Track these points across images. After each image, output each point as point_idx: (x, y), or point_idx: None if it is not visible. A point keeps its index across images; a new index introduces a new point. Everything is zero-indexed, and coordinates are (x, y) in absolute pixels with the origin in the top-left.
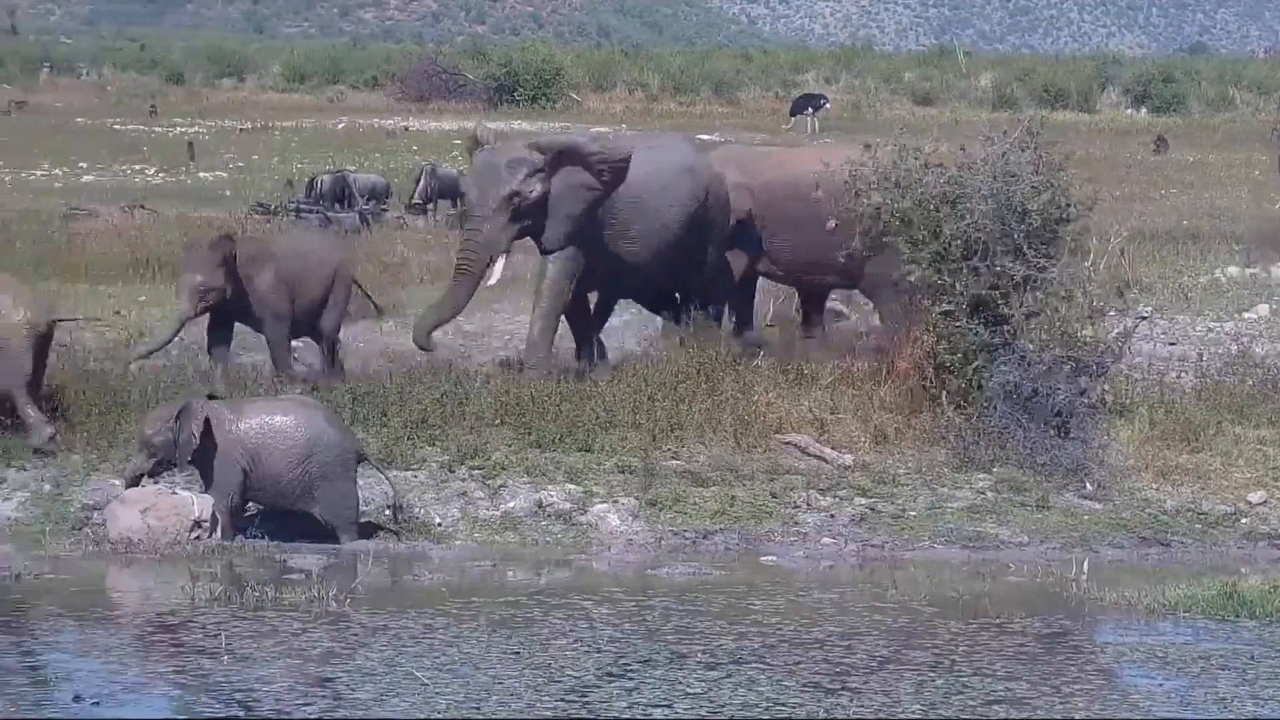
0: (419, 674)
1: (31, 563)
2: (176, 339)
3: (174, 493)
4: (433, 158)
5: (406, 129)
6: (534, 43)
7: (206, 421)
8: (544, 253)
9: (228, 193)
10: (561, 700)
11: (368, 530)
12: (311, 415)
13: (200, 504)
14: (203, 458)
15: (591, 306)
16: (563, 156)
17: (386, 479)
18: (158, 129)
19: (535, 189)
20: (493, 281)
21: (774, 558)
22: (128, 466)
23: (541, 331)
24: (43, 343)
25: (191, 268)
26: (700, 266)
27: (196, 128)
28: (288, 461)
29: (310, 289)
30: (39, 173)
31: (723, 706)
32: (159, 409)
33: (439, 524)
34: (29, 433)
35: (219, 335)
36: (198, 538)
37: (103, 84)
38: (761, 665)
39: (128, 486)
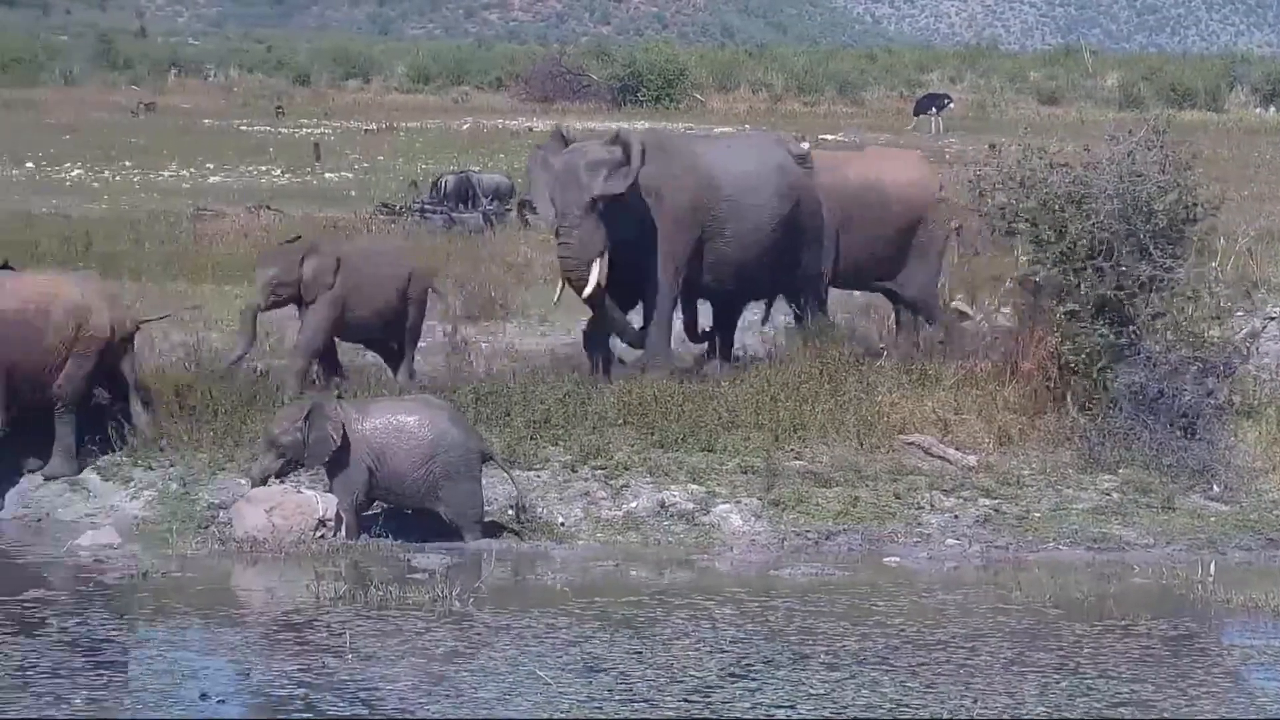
0: (542, 674)
1: (158, 561)
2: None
3: (299, 491)
4: None
5: (531, 129)
6: (658, 43)
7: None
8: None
9: (352, 193)
10: (684, 701)
11: (492, 529)
12: (436, 415)
13: (325, 503)
14: (329, 457)
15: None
16: (646, 150)
17: (510, 478)
18: (283, 130)
19: (617, 187)
20: (590, 286)
21: (897, 559)
22: (255, 467)
23: (659, 333)
24: (124, 344)
25: (267, 263)
26: (792, 269)
27: (322, 129)
28: (412, 461)
29: (374, 297)
30: (167, 173)
31: (845, 708)
32: (287, 409)
33: (562, 524)
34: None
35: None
36: (322, 536)
37: (229, 85)
38: (885, 666)
39: (255, 487)
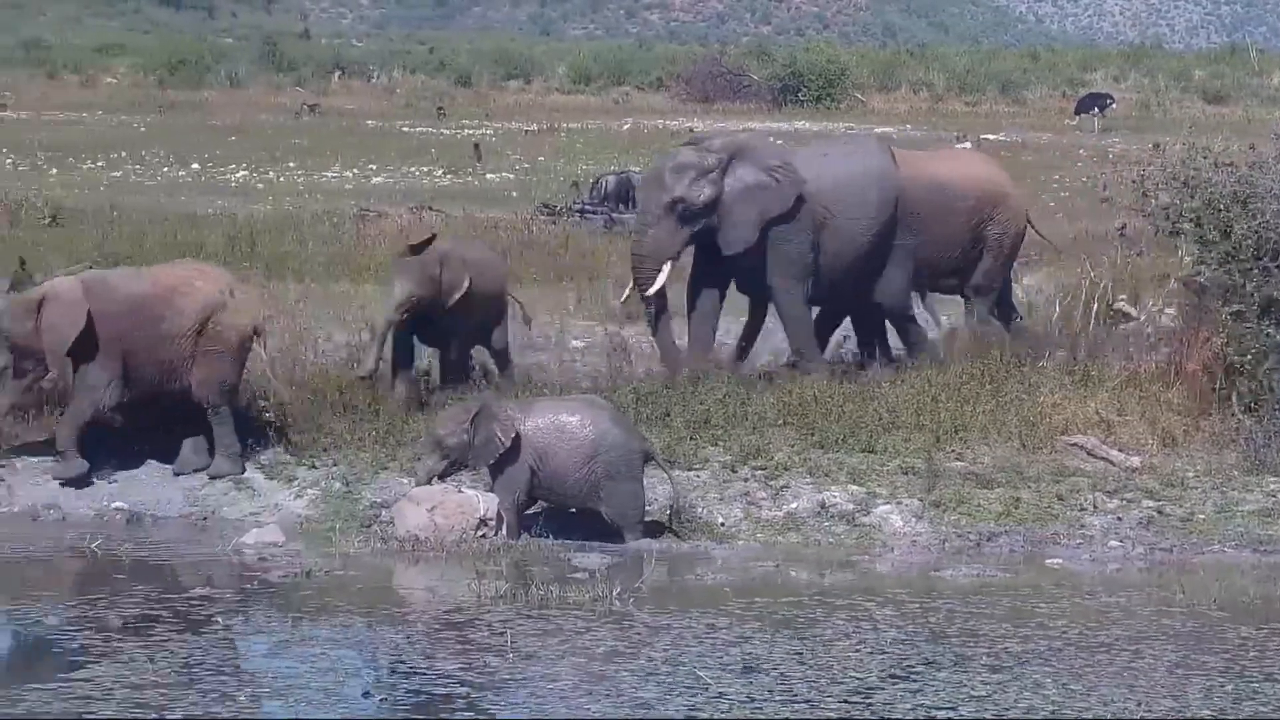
0: (702, 674)
1: (321, 560)
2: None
3: (460, 491)
4: None
5: (691, 130)
6: (819, 43)
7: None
8: (724, 256)
9: (514, 194)
10: (844, 702)
11: (652, 530)
12: (598, 415)
13: (486, 502)
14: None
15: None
16: (736, 158)
17: (669, 479)
18: (445, 131)
19: (703, 193)
20: (654, 288)
21: (1059, 560)
22: (419, 469)
23: (805, 343)
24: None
25: (404, 277)
26: (879, 286)
27: (483, 130)
28: (574, 460)
29: (487, 299)
30: (330, 174)
31: (1007, 710)
32: (452, 410)
33: (722, 524)
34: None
35: (404, 340)
36: (484, 536)
37: (392, 87)
38: (1047, 668)
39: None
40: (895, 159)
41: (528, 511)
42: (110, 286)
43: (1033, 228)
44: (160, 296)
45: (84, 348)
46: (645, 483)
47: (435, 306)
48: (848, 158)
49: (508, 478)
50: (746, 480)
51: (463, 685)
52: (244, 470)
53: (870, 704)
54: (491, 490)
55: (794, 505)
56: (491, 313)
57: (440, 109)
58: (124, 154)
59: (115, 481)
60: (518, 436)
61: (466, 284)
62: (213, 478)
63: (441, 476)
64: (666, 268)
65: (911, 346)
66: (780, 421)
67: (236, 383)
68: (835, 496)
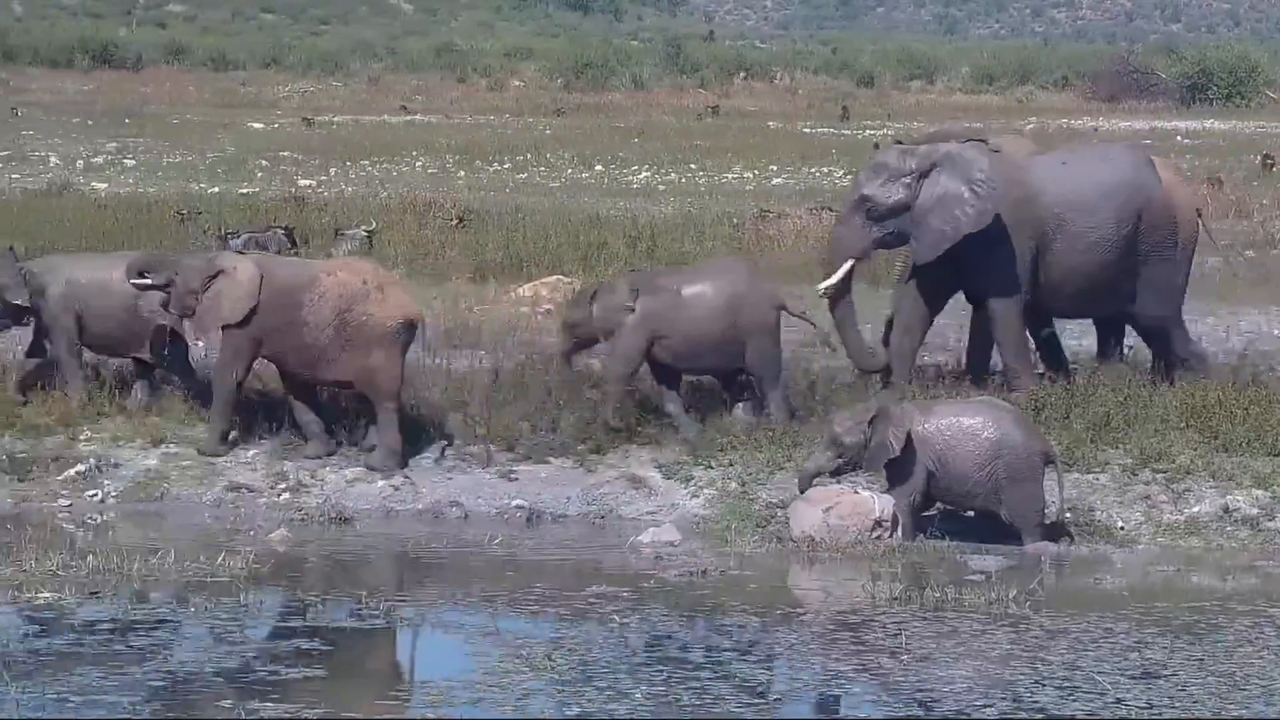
0: (1100, 678)
1: (717, 559)
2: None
3: (856, 492)
4: None
5: (1096, 129)
6: (1229, 40)
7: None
8: (917, 264)
9: None
10: (1245, 709)
11: (1048, 532)
12: (1000, 416)
13: (881, 504)
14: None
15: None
16: (940, 164)
17: (1059, 483)
18: (846, 131)
19: (893, 195)
20: (825, 285)
21: None
22: (810, 462)
23: (1015, 357)
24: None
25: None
26: (1129, 298)
27: (885, 130)
28: (975, 462)
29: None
30: (731, 175)
31: None
32: (852, 409)
33: (1121, 527)
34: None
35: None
36: (878, 537)
37: (794, 87)
38: None
39: (803, 483)
40: (1155, 169)
41: (924, 514)
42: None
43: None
44: (300, 287)
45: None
46: (1045, 485)
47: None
48: (1091, 166)
49: (904, 479)
50: (1147, 483)
51: (858, 686)
52: (404, 466)
53: (1277, 709)
54: (888, 492)
55: (1196, 509)
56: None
57: (843, 110)
58: (529, 156)
59: (516, 479)
60: (910, 441)
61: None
62: (371, 469)
63: (833, 475)
64: (847, 265)
65: (1183, 362)
66: (1183, 424)
67: (400, 380)
68: (1239, 500)
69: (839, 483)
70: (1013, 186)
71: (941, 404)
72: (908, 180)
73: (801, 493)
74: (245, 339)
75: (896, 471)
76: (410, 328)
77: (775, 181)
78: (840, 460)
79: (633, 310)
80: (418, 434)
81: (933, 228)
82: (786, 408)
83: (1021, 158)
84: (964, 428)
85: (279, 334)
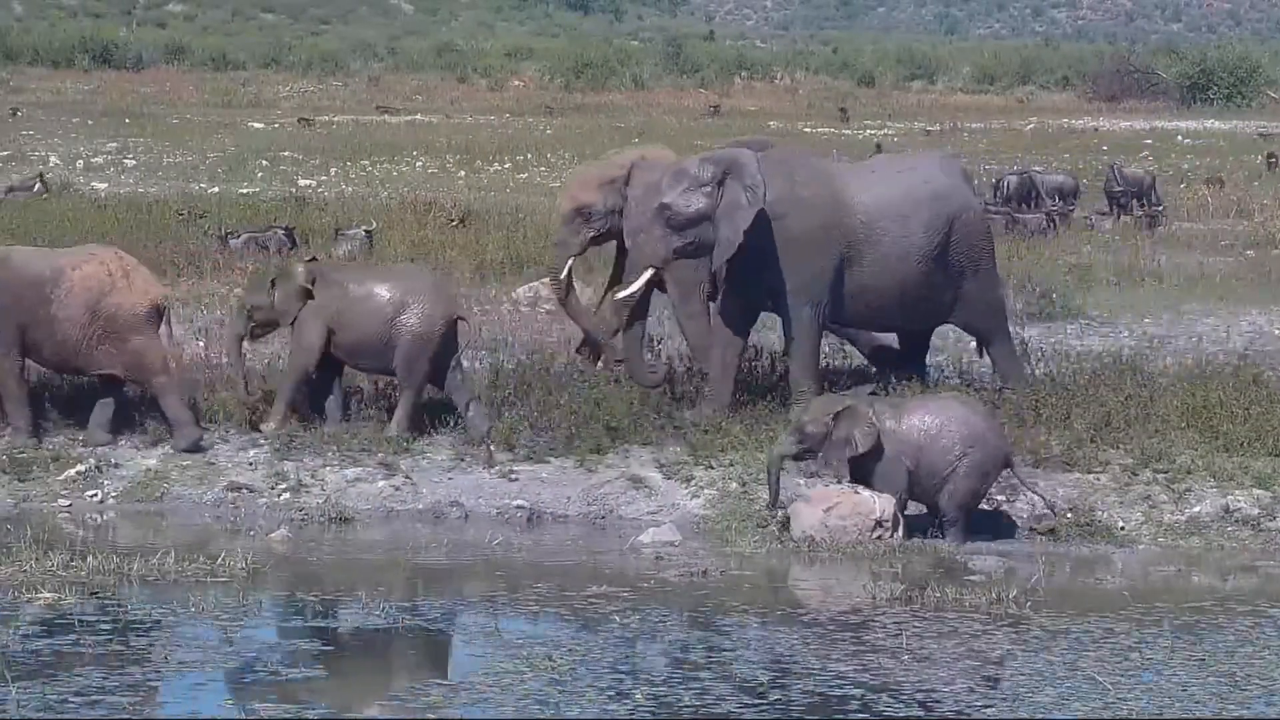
0: (1100, 678)
1: (717, 560)
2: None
3: (857, 492)
4: (1121, 158)
5: (1096, 129)
6: (1230, 40)
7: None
8: (711, 271)
9: None
10: (1246, 708)
11: (1052, 532)
12: (971, 413)
13: (882, 504)
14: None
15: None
16: (728, 172)
17: (1024, 485)
18: (847, 131)
19: (692, 203)
20: (627, 293)
21: None
22: (775, 447)
23: (801, 366)
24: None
25: None
26: (943, 310)
27: (885, 130)
28: (949, 457)
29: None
30: None
31: None
32: (822, 399)
33: (1121, 527)
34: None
35: None
36: (878, 537)
37: (794, 87)
38: None
39: (771, 467)
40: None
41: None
42: None
43: None
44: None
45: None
46: (1044, 485)
47: None
48: (900, 175)
49: (888, 480)
50: (1148, 484)
51: (857, 686)
52: (201, 435)
53: (1275, 709)
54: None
55: (1196, 509)
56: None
57: (842, 109)
58: (529, 156)
59: (516, 479)
60: (880, 441)
61: None
62: (178, 451)
63: (796, 459)
64: (646, 274)
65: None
66: (1183, 424)
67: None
68: (1239, 501)
69: (840, 483)
70: (821, 195)
71: (914, 401)
72: (704, 190)
73: (771, 474)
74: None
75: (879, 473)
76: (158, 311)
77: None
78: (803, 448)
79: (311, 298)
80: (418, 434)
81: (722, 235)
82: (409, 418)
83: (832, 165)
84: (940, 423)
85: (31, 329)
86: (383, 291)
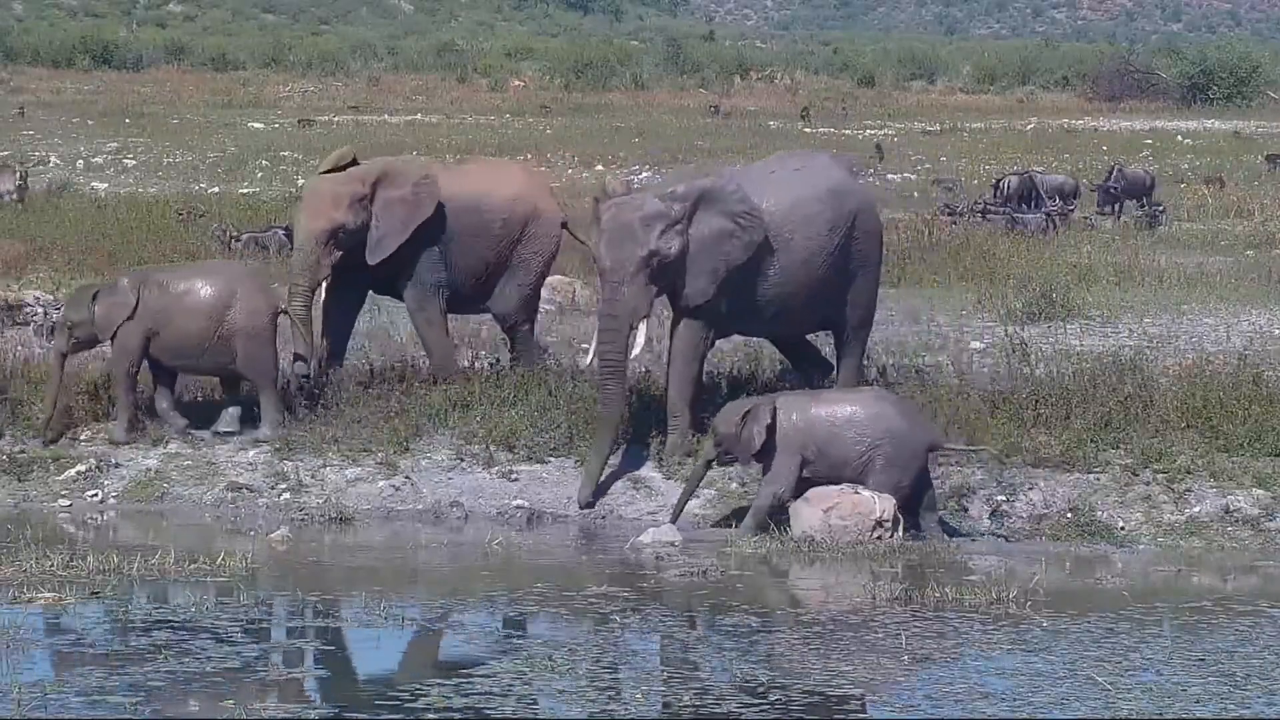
0: (1100, 679)
1: (717, 560)
2: None
3: (857, 492)
4: (1121, 158)
5: (1096, 129)
6: (1231, 40)
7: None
8: (685, 308)
9: (915, 194)
10: (1245, 708)
11: (1056, 532)
12: (883, 405)
13: (882, 504)
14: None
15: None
16: (700, 202)
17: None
18: (847, 131)
19: (675, 245)
20: (636, 351)
21: None
22: (700, 450)
23: (678, 394)
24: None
25: None
26: (844, 308)
27: (886, 130)
28: (856, 450)
29: None
30: None
31: None
32: (735, 404)
33: (1121, 527)
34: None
35: None
36: (878, 537)
37: (795, 88)
38: None
39: (693, 473)
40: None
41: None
42: None
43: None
44: None
45: None
46: (1044, 485)
47: None
48: (799, 175)
49: (775, 472)
50: (1148, 484)
51: (857, 686)
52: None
53: (1275, 709)
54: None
55: (1196, 509)
56: None
57: (843, 109)
58: (530, 156)
59: (516, 479)
60: (773, 436)
61: None
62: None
63: (720, 463)
64: (644, 326)
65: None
66: (1183, 424)
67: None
68: (1239, 501)
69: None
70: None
71: (824, 396)
72: (681, 225)
73: (691, 481)
74: None
75: (772, 467)
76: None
77: None
78: (720, 449)
79: (135, 309)
80: (419, 434)
81: (703, 268)
82: (278, 411)
83: (738, 173)
84: (846, 417)
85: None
86: (204, 290)
